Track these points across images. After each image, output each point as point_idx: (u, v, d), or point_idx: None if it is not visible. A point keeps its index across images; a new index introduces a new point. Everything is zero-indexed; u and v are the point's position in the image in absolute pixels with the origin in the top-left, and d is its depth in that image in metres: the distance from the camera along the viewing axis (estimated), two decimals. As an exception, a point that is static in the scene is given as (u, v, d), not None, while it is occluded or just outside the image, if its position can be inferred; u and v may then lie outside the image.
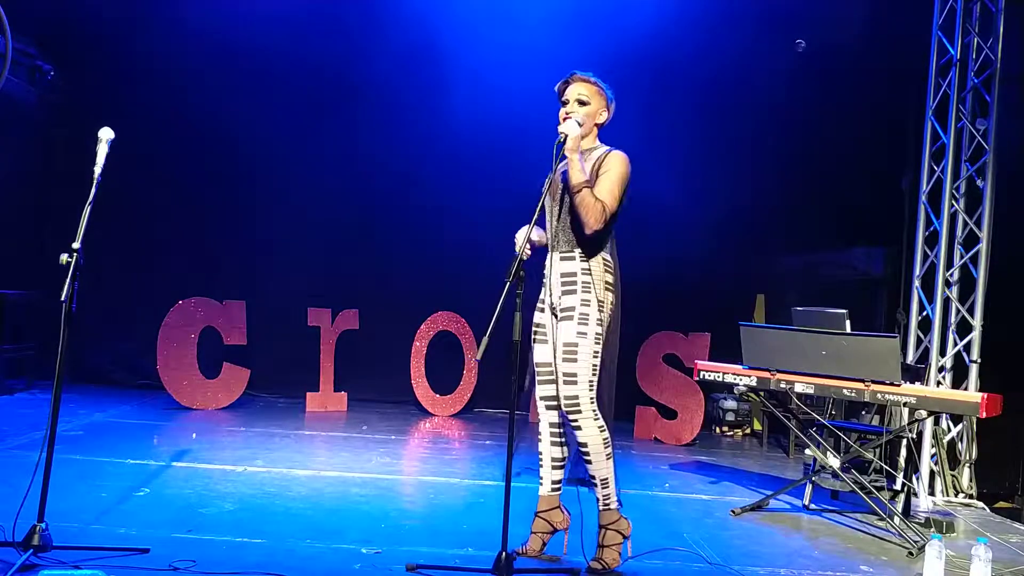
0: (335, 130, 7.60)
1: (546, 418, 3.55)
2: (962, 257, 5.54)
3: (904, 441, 5.05)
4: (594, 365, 3.35)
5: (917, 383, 4.44)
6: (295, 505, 4.15)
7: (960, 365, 5.51)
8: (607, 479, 3.41)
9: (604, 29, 6.85)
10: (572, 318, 3.35)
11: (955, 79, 5.61)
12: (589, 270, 3.39)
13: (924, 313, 5.73)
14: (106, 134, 3.33)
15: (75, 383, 7.30)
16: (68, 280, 3.09)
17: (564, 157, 3.31)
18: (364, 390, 7.48)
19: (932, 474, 5.45)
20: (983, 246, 5.43)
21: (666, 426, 6.81)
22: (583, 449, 3.38)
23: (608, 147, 3.47)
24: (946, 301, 5.59)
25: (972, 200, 5.56)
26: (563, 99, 3.49)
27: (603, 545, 3.43)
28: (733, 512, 4.54)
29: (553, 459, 3.56)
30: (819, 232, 7.40)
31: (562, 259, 3.42)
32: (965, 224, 5.57)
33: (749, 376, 4.57)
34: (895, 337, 4.24)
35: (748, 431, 7.44)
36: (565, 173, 3.36)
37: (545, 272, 3.50)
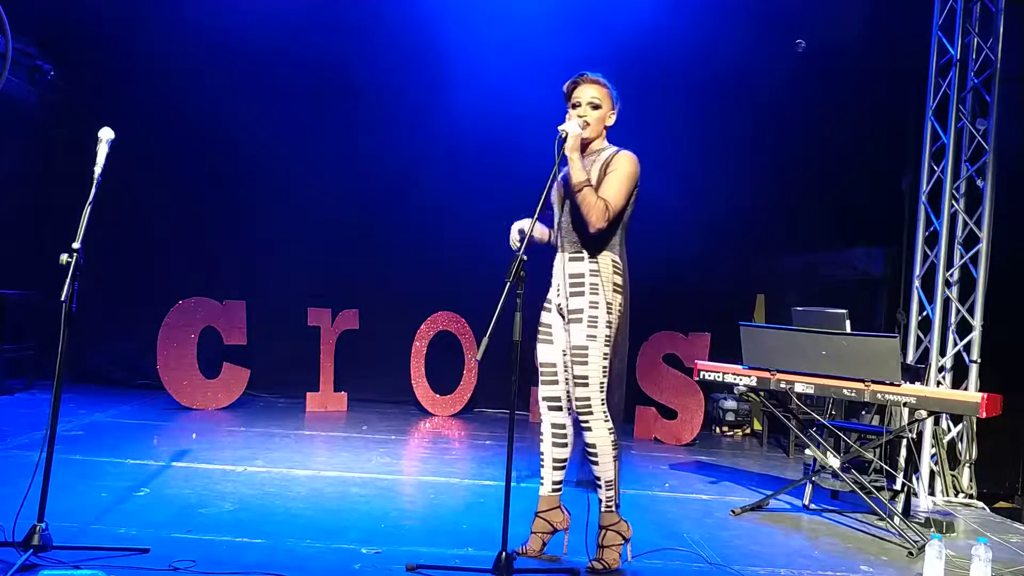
0: (335, 130, 7.60)
1: (548, 419, 3.55)
2: (962, 257, 5.54)
3: (904, 441, 5.05)
4: (604, 367, 3.35)
5: (917, 383, 4.44)
6: (295, 505, 4.15)
7: (960, 365, 5.51)
8: (612, 481, 3.42)
9: (604, 29, 6.83)
10: (581, 320, 3.35)
11: (955, 79, 5.61)
12: (598, 271, 3.38)
13: (924, 313, 5.72)
14: (106, 134, 3.33)
15: (75, 383, 7.30)
16: (68, 280, 3.09)
17: (565, 157, 3.30)
18: (364, 390, 7.48)
19: (932, 474, 5.45)
20: (983, 246, 5.43)
21: (666, 426, 6.81)
22: (591, 450, 3.38)
23: (617, 147, 3.46)
24: (946, 301, 5.59)
25: (972, 200, 5.56)
26: (572, 100, 3.46)
27: (603, 545, 3.43)
28: (733, 512, 4.54)
29: (555, 460, 3.56)
30: (819, 232, 7.39)
31: (571, 260, 3.42)
32: (965, 224, 5.57)
33: (749, 376, 4.57)
34: (895, 337, 4.24)
35: (748, 431, 7.44)
36: (567, 175, 3.36)
37: (554, 273, 3.50)
